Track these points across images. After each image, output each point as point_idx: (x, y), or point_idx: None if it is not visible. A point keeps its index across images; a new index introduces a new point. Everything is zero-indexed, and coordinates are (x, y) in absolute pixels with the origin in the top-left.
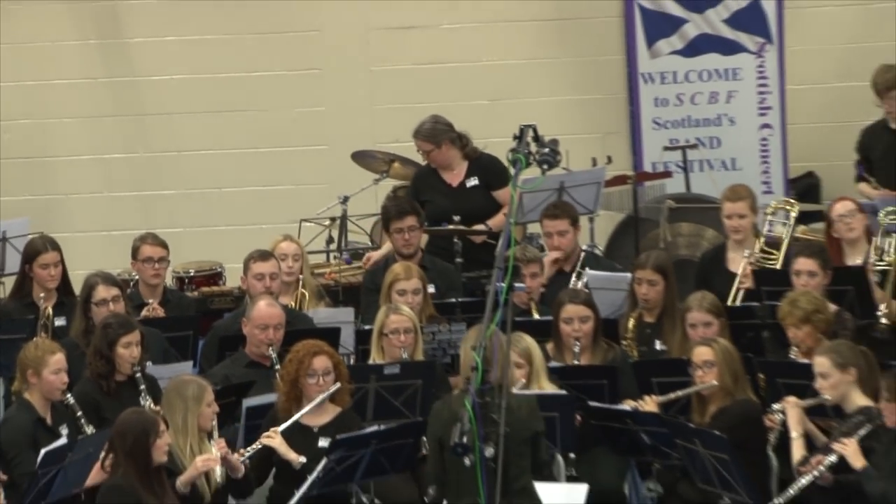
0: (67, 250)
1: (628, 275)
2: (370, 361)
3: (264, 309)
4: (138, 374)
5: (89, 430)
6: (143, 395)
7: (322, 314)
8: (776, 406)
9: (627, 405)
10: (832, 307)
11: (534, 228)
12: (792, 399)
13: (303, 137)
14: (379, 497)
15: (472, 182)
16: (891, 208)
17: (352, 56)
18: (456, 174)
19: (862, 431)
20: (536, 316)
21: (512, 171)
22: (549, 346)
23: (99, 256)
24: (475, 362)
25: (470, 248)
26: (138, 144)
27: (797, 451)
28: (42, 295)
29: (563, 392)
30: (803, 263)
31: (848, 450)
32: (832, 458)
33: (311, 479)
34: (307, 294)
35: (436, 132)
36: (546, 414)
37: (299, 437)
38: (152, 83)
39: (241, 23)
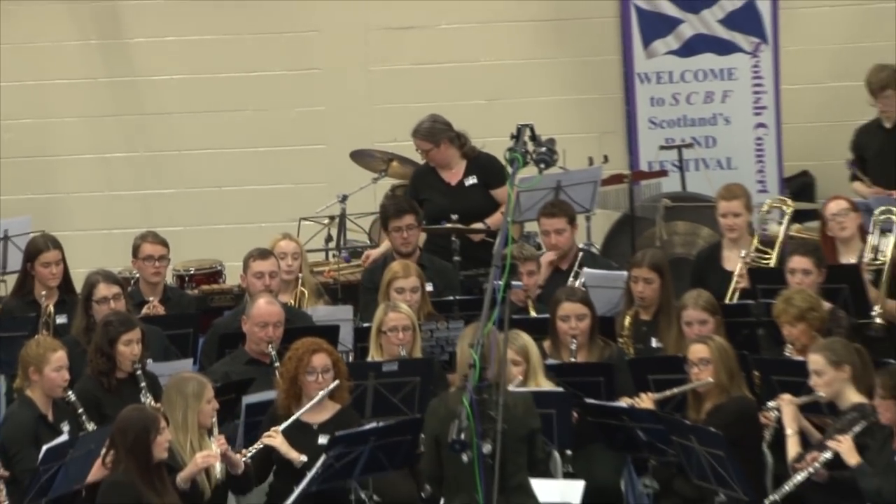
0: (68, 249)
1: (624, 273)
2: (369, 359)
3: (264, 307)
4: (139, 372)
5: (90, 426)
6: (143, 392)
7: (321, 312)
8: (771, 403)
9: (624, 402)
10: (826, 305)
11: (531, 227)
12: (787, 396)
13: (302, 137)
14: (377, 493)
15: (471, 181)
16: (885, 207)
17: (351, 56)
18: (454, 173)
19: (856, 428)
20: (533, 314)
21: (509, 170)
22: (546, 344)
23: (100, 255)
24: (473, 360)
25: (468, 247)
26: (139, 144)
27: (792, 447)
28: (43, 293)
29: (560, 389)
30: (798, 262)
31: (843, 446)
32: (827, 455)
33: (310, 475)
34: (306, 292)
35: (434, 131)
36: (543, 411)
37: (299, 434)
38: (152, 83)
39: (241, 23)
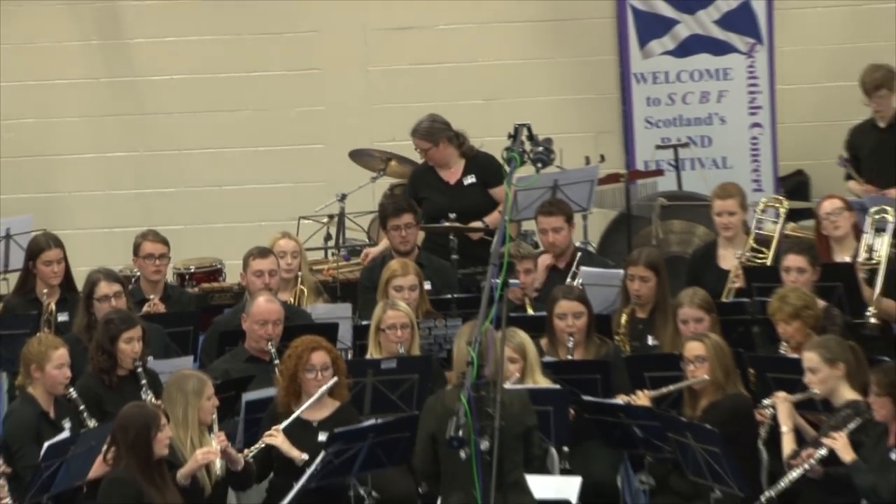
0: (70, 247)
1: (621, 271)
2: (367, 356)
3: (263, 305)
4: (140, 369)
5: (91, 423)
6: (144, 389)
7: (320, 310)
8: (766, 401)
9: (620, 399)
10: (821, 303)
11: (528, 225)
12: (782, 394)
13: (301, 136)
14: (376, 489)
15: (470, 180)
16: (880, 206)
17: (350, 56)
18: (453, 172)
19: (851, 425)
20: (530, 311)
21: (507, 169)
22: (543, 342)
23: (101, 253)
24: (470, 357)
25: (466, 245)
26: (139, 143)
27: (787, 444)
28: (45, 291)
29: (557, 386)
30: (793, 260)
31: (837, 443)
32: (822, 452)
33: (309, 472)
34: (305, 290)
35: (433, 131)
36: (540, 408)
37: (299, 431)
38: (152, 83)
39: (241, 23)
